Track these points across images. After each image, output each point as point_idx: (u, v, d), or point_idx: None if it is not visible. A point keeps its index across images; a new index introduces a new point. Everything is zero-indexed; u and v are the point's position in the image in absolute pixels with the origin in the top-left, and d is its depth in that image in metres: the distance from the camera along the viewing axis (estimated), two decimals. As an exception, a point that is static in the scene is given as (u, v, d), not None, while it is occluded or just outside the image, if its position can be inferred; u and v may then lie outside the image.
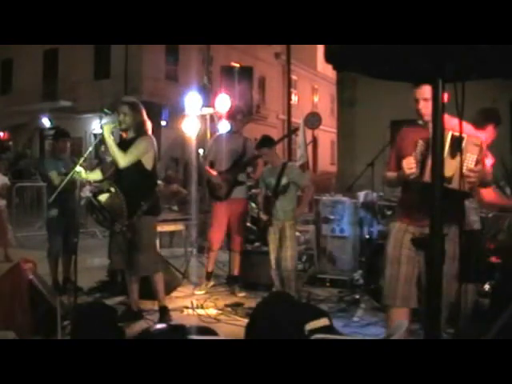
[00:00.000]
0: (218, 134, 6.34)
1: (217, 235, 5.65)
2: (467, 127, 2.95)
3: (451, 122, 2.65)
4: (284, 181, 4.91)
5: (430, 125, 3.03)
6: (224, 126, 7.97)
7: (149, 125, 4.31)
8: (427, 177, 2.83)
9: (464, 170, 2.79)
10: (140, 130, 4.25)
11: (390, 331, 2.46)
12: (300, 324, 3.34)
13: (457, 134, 2.75)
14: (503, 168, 6.56)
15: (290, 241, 4.89)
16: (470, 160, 2.84)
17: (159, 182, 10.59)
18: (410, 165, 2.90)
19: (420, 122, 3.17)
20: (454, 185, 2.78)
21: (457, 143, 2.77)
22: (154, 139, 4.35)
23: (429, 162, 2.78)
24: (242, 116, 5.88)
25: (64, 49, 20.43)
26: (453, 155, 2.80)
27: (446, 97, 2.12)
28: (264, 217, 5.04)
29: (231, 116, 6.00)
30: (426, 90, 3.03)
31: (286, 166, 5.05)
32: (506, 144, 7.15)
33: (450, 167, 2.78)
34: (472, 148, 2.85)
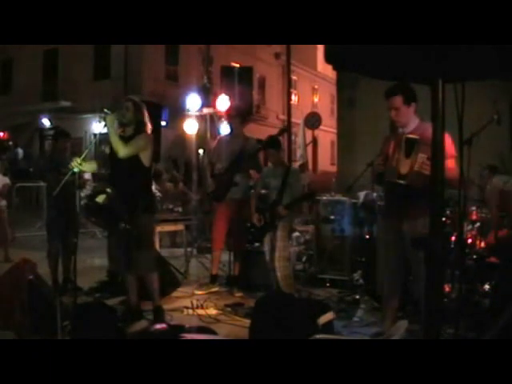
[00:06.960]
0: (220, 135, 6.46)
1: (218, 236, 5.67)
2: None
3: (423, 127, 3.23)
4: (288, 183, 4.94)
5: (401, 130, 3.41)
6: (224, 127, 8.02)
7: (149, 126, 4.35)
8: (387, 175, 3.39)
9: (416, 168, 3.12)
10: (139, 129, 4.30)
11: (390, 331, 2.46)
12: (312, 319, 3.34)
13: (411, 136, 3.19)
14: (503, 167, 6.56)
15: (280, 241, 4.88)
16: (422, 160, 3.12)
17: (167, 183, 10.60)
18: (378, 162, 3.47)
19: (400, 130, 3.47)
20: (408, 181, 3.18)
21: (410, 145, 3.16)
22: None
23: (392, 163, 3.34)
24: (239, 115, 5.92)
25: (64, 49, 20.39)
26: (407, 155, 3.18)
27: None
28: (256, 216, 5.06)
29: (229, 116, 6.06)
30: (396, 100, 3.36)
31: (289, 169, 5.08)
32: (506, 144, 7.14)
33: (405, 166, 3.18)
34: (424, 148, 3.07)
